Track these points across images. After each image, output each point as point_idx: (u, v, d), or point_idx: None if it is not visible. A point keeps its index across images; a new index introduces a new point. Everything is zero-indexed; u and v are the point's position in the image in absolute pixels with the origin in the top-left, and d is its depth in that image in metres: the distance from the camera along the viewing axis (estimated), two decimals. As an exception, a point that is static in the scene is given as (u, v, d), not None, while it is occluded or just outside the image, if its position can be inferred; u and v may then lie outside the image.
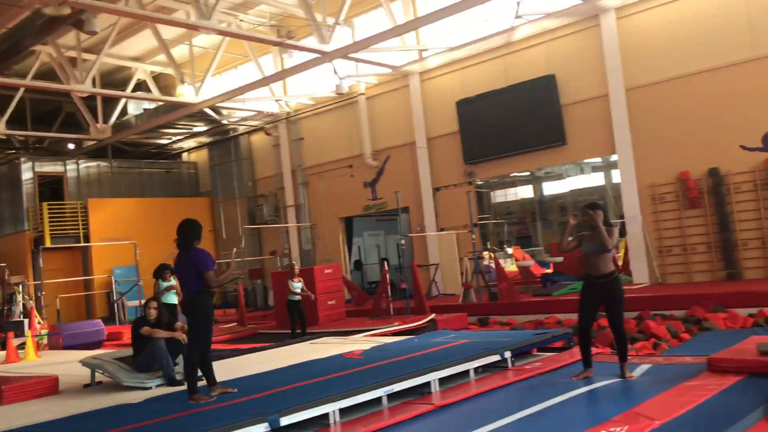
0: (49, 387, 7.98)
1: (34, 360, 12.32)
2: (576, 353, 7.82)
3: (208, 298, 6.47)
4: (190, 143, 26.35)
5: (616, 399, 5.66)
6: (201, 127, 24.05)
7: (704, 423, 4.57)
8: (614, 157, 17.39)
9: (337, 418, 5.69)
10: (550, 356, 7.88)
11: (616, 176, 22.43)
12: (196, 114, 21.52)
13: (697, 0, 14.48)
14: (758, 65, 13.71)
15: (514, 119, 17.11)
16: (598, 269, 6.36)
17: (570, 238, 6.59)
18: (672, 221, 15.02)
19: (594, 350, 7.93)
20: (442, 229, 18.88)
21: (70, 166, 23.83)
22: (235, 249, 7.44)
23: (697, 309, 11.57)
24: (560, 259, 17.58)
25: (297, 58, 20.11)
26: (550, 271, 18.12)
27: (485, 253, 17.94)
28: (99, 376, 8.24)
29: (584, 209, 6.55)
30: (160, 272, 11.24)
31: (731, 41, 14.05)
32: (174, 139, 25.38)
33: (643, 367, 6.70)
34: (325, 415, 5.65)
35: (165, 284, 11.13)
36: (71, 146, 24.34)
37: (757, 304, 11.18)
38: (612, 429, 4.53)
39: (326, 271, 15.44)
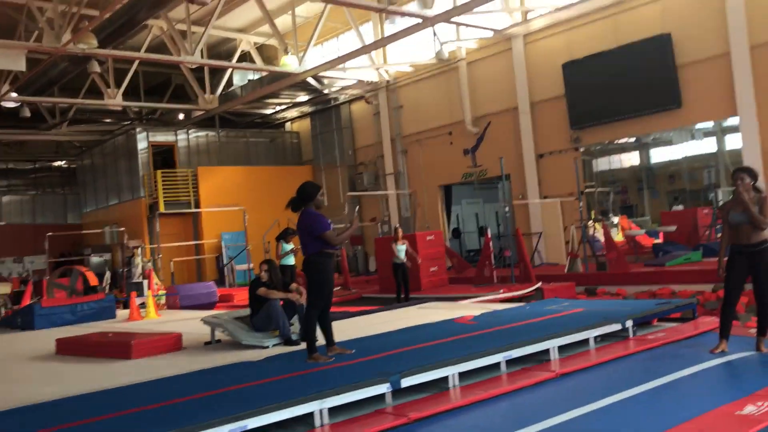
0: (173, 343, 8.38)
1: (155, 318, 13.01)
2: (701, 324, 7.49)
3: (325, 258, 6.50)
4: (293, 113, 26.81)
5: (757, 373, 5.36)
6: (303, 97, 24.39)
7: None
8: (730, 121, 16.38)
9: (456, 382, 5.67)
10: (672, 327, 7.56)
11: (730, 142, 21.17)
12: (299, 84, 21.81)
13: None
14: None
15: (624, 82, 16.37)
16: (749, 238, 5.98)
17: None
18: (799, 188, 14.02)
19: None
20: (545, 197, 18.44)
21: (181, 136, 24.80)
22: (357, 207, 7.46)
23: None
24: (672, 228, 16.82)
25: (398, 24, 19.96)
26: (659, 241, 17.38)
27: (591, 222, 17.39)
28: (218, 335, 8.58)
29: (736, 173, 6.14)
30: (284, 235, 11.64)
31: None
32: (277, 108, 25.89)
33: (778, 343, 6.30)
34: (444, 379, 5.64)
35: (287, 247, 11.50)
36: (181, 116, 25.27)
37: None
38: (759, 403, 4.28)
39: (428, 238, 15.43)
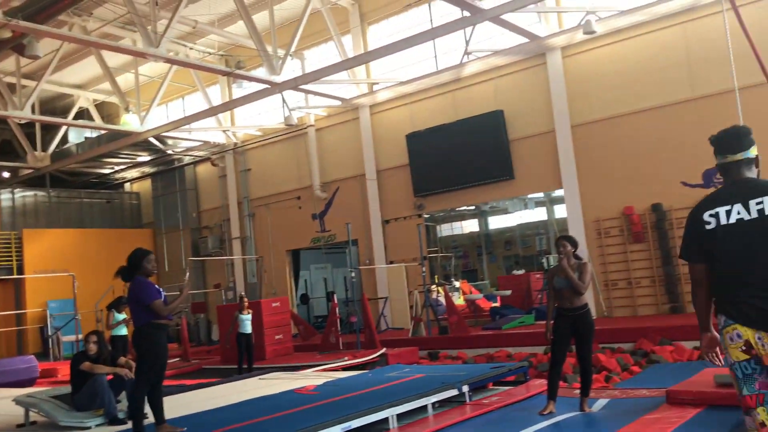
0: (-22, 429, 7.45)
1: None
2: (532, 387, 7.78)
3: (155, 330, 6.14)
4: (133, 173, 25.72)
5: (579, 433, 5.61)
6: (145, 157, 23.52)
7: (670, 457, 4.53)
8: (558, 192, 17.71)
9: (293, 457, 5.45)
10: (506, 390, 7.80)
11: (558, 211, 22.88)
12: (140, 143, 21.04)
13: (639, 41, 15.00)
14: (697, 105, 14.22)
15: (462, 153, 17.26)
16: (571, 302, 6.33)
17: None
18: (617, 255, 15.31)
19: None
20: (391, 262, 18.79)
21: (5, 195, 22.88)
22: (188, 274, 7.12)
23: (644, 341, 11.72)
24: (508, 292, 17.69)
25: (246, 88, 19.92)
26: (497, 304, 18.18)
27: (434, 287, 17.90)
28: (34, 416, 7.75)
29: (559, 240, 6.54)
30: (116, 303, 10.87)
31: (672, 81, 14.56)
32: (116, 168, 24.73)
33: (602, 401, 6.68)
34: (281, 455, 5.41)
35: (119, 317, 10.75)
36: (6, 174, 23.41)
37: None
38: (580, 464, 4.45)
39: (274, 305, 15.11)
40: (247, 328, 12.52)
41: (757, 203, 3.26)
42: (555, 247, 6.61)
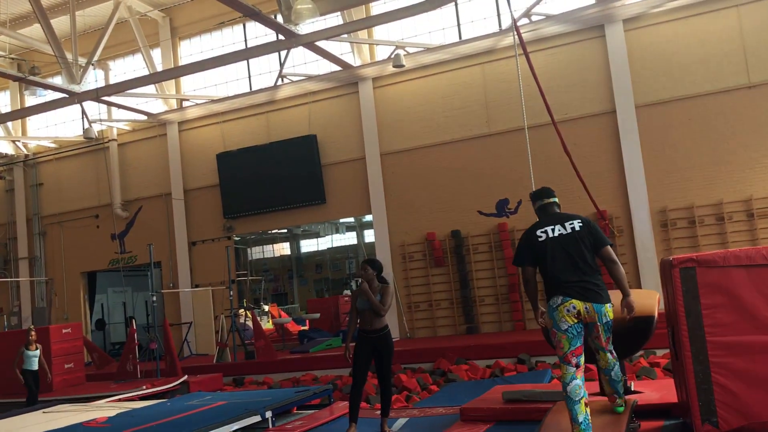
0: None
1: None
2: (336, 410, 7.85)
3: None
4: None
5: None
6: None
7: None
8: (368, 218, 18.22)
9: (77, 498, 5.00)
10: (310, 414, 7.80)
11: (368, 236, 23.55)
12: None
13: (443, 78, 15.96)
14: (493, 140, 15.40)
15: (275, 176, 17.19)
16: (372, 324, 6.46)
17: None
18: (420, 278, 16.02)
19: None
20: (197, 285, 18.14)
21: None
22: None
23: (442, 361, 12.31)
24: (317, 315, 17.79)
25: (42, 96, 18.37)
26: (306, 328, 18.21)
27: (242, 311, 17.52)
28: None
29: (362, 264, 6.68)
30: None
31: (471, 118, 15.64)
32: None
33: (401, 421, 6.89)
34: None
35: None
36: None
37: (493, 356, 12.22)
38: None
39: (64, 331, 13.90)
40: (34, 365, 11.40)
41: (569, 224, 5.30)
42: (360, 270, 6.77)
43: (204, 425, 6.46)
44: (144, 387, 11.59)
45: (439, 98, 15.98)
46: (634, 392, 6.34)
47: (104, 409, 8.81)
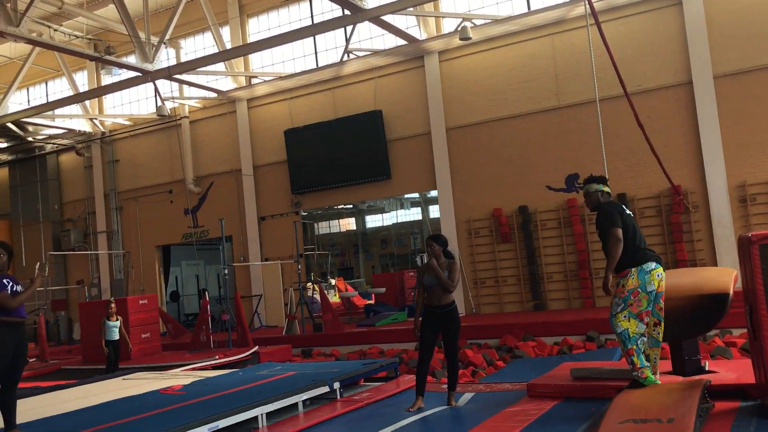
0: None
1: None
2: (402, 383, 7.93)
3: (1, 327, 5.69)
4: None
5: (445, 427, 5.77)
6: (1, 144, 21.82)
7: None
8: (433, 193, 18.15)
9: (156, 460, 5.24)
10: (377, 386, 7.90)
11: (433, 211, 23.52)
12: (-2, 128, 19.51)
13: (511, 50, 15.66)
14: (563, 113, 15.05)
15: (341, 152, 17.32)
16: (439, 300, 6.47)
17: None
18: (486, 254, 15.91)
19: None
20: (266, 259, 18.54)
21: None
22: (38, 264, 6.58)
23: (509, 337, 12.25)
24: (382, 290, 17.93)
25: (116, 75, 18.99)
26: (372, 302, 18.40)
27: (309, 284, 17.85)
28: None
29: (428, 241, 6.68)
30: None
31: (540, 91, 15.32)
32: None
33: (467, 395, 6.90)
34: (142, 458, 5.19)
35: None
36: None
37: (561, 333, 12.08)
38: (444, 457, 4.57)
39: (141, 302, 14.45)
40: (114, 335, 11.92)
41: (628, 209, 6.00)
42: (425, 247, 6.77)
43: (275, 394, 6.63)
44: (217, 357, 11.98)
45: (507, 71, 15.69)
46: (709, 372, 6.16)
47: (179, 378, 9.15)
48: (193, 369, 10.74)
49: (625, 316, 5.57)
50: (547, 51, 15.30)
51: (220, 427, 5.82)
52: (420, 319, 6.56)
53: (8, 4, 13.55)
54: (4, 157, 23.17)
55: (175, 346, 15.29)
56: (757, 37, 13.42)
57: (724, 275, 6.32)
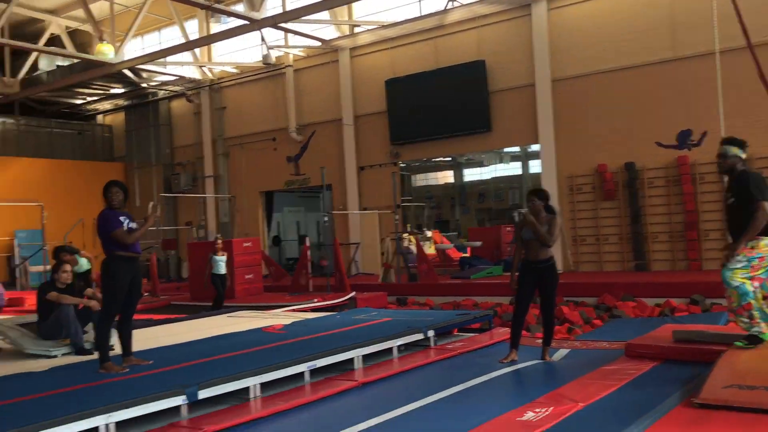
0: (-59, 352, 7.42)
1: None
2: (495, 335, 7.94)
3: (117, 262, 6.07)
4: (106, 105, 25.14)
5: (539, 381, 5.75)
6: (118, 89, 22.98)
7: (625, 406, 4.68)
8: (534, 147, 17.74)
9: (258, 392, 5.52)
10: (470, 337, 7.95)
11: (533, 166, 23.00)
12: (114, 75, 20.51)
13: (624, -2, 14.89)
14: (678, 66, 14.25)
15: (441, 103, 17.16)
16: (537, 255, 6.39)
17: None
18: (587, 212, 15.50)
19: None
20: (364, 209, 18.82)
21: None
22: (151, 204, 6.93)
23: (608, 297, 11.98)
24: (478, 243, 17.86)
25: (224, 24, 19.46)
26: (467, 255, 18.39)
27: (406, 235, 18.02)
28: (0, 343, 7.73)
29: (529, 195, 6.57)
30: (57, 253, 10.61)
31: (654, 41, 14.53)
32: (88, 99, 24.14)
33: (563, 352, 6.83)
34: (245, 389, 5.47)
35: (83, 261, 10.77)
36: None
37: (663, 294, 11.68)
38: (537, 410, 4.58)
39: (245, 245, 15.11)
40: (222, 269, 12.54)
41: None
42: (526, 202, 6.65)
43: (370, 338, 6.80)
44: (315, 300, 12.39)
45: (620, 20, 14.95)
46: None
47: (280, 318, 9.54)
48: (293, 310, 11.17)
49: (743, 274, 5.49)
50: (664, -1, 14.43)
51: (318, 366, 6.05)
52: (517, 273, 6.51)
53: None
54: (120, 102, 24.40)
55: (277, 288, 15.91)
56: None
57: None
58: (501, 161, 26.31)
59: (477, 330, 8.45)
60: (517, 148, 22.05)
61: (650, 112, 14.54)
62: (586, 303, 12.02)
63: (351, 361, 6.43)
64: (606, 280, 12.92)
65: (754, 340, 5.46)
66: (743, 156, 5.74)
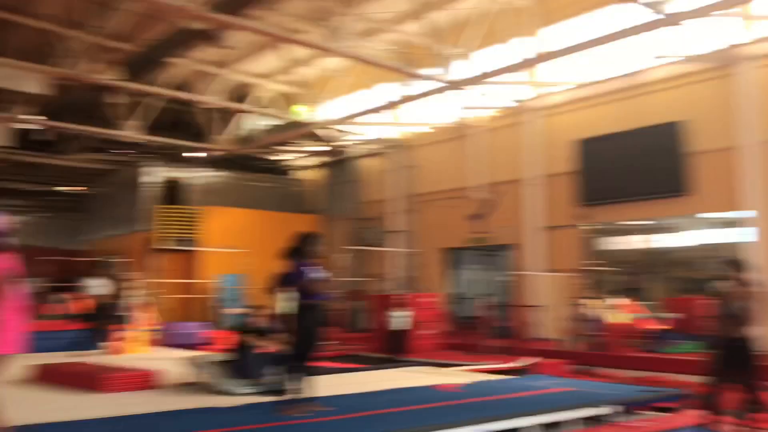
0: (145, 381, 8.21)
1: (139, 354, 12.79)
2: (681, 417, 7.26)
3: (305, 310, 6.40)
4: (305, 161, 26.99)
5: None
6: (317, 147, 24.59)
7: None
8: (736, 214, 16.28)
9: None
10: (654, 416, 7.32)
11: (737, 234, 21.03)
12: (313, 134, 22.02)
13: None
14: None
15: (635, 164, 16.40)
16: (733, 331, 5.87)
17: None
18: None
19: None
20: (549, 271, 18.27)
21: (191, 173, 24.91)
22: (340, 257, 7.28)
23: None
24: (674, 315, 16.54)
25: (414, 86, 20.21)
26: (663, 327, 17.05)
27: (592, 301, 17.17)
28: (197, 376, 8.39)
29: (728, 265, 6.06)
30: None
31: None
32: (289, 156, 26.07)
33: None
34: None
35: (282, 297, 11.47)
36: (195, 154, 25.47)
37: None
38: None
39: (427, 300, 15.23)
40: (400, 324, 12.74)
41: None
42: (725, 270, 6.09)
43: (550, 407, 6.52)
44: (494, 362, 12.13)
45: None
46: None
47: (457, 376, 9.46)
48: (471, 370, 11.01)
49: None
50: None
51: (493, 429, 5.89)
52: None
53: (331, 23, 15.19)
54: (318, 159, 26.06)
55: (455, 346, 15.80)
56: None
57: None
58: (701, 227, 24.44)
59: (662, 409, 7.78)
60: (716, 214, 20.35)
61: None
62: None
63: (528, 428, 6.19)
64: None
65: None
66: None
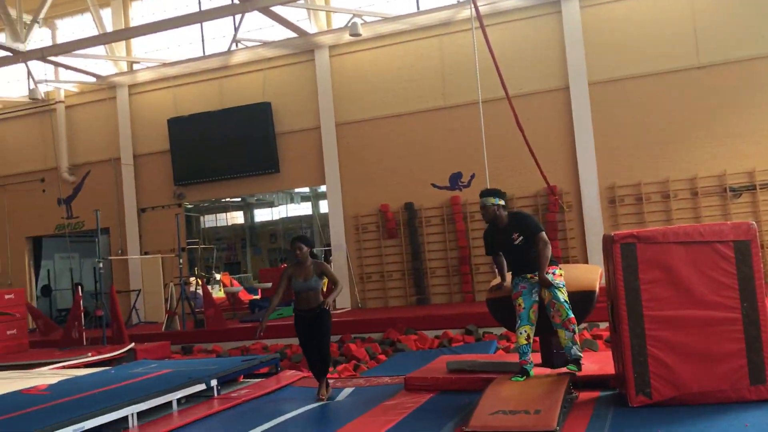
0: None
1: None
2: (282, 379, 7.88)
3: None
4: None
5: (321, 422, 5.77)
6: None
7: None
8: (322, 188, 18.11)
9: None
10: (257, 382, 7.79)
11: (323, 206, 23.45)
12: None
13: (399, 49, 15.86)
14: (448, 113, 15.42)
15: (228, 143, 16.92)
16: (308, 303, 6.53)
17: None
18: (372, 250, 16.06)
19: (299, 374, 8.07)
20: (146, 253, 17.86)
21: None
22: None
23: (392, 331, 12.41)
24: (268, 285, 17.67)
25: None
26: (258, 297, 18.11)
27: (192, 279, 17.34)
28: None
29: (296, 242, 6.63)
30: None
31: (426, 90, 15.62)
32: None
33: (347, 390, 6.94)
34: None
35: None
36: None
37: (442, 326, 12.37)
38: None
39: (6, 297, 13.55)
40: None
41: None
42: (290, 248, 6.72)
43: (147, 393, 6.38)
44: (89, 354, 11.41)
45: (396, 69, 15.89)
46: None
47: (46, 377, 8.65)
48: (63, 367, 10.18)
49: (563, 295, 5.94)
50: (434, 51, 15.61)
51: (86, 428, 5.55)
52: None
53: None
54: None
55: (45, 343, 14.43)
56: (629, 48, 14.28)
57: (592, 272, 6.68)
58: (291, 201, 26.53)
59: (265, 375, 8.32)
60: (306, 189, 22.34)
61: (426, 155, 15.53)
62: (373, 338, 12.36)
63: (126, 419, 5.98)
64: (390, 316, 13.41)
65: (578, 364, 5.90)
66: (500, 203, 6.25)
